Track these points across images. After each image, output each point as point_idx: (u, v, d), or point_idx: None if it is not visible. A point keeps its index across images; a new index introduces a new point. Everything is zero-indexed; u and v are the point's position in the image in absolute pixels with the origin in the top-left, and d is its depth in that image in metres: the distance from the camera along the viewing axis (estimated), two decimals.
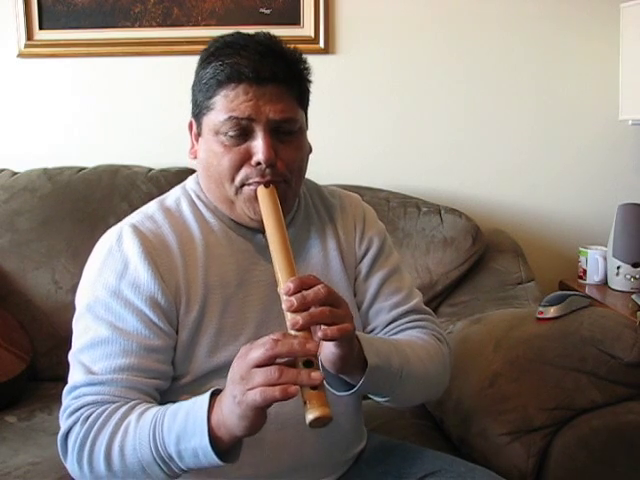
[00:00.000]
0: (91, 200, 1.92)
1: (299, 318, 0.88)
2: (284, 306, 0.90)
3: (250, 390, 0.84)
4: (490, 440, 1.34)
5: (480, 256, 1.97)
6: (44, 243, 1.86)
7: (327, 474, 1.14)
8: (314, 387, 0.84)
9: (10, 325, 1.79)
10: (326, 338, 0.89)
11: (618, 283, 2.05)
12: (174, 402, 1.04)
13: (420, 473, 1.14)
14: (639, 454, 1.31)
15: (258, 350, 0.85)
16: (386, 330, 1.17)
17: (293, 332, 0.88)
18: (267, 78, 1.01)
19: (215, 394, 0.92)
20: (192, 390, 1.05)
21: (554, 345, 1.40)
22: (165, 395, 1.06)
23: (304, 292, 0.89)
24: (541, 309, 1.50)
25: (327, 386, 1.00)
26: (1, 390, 1.65)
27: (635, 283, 2.01)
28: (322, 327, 0.90)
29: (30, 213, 1.89)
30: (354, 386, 1.00)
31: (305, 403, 0.84)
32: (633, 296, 1.86)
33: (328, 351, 0.95)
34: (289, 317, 0.89)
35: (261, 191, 1.04)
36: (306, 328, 0.88)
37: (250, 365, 0.85)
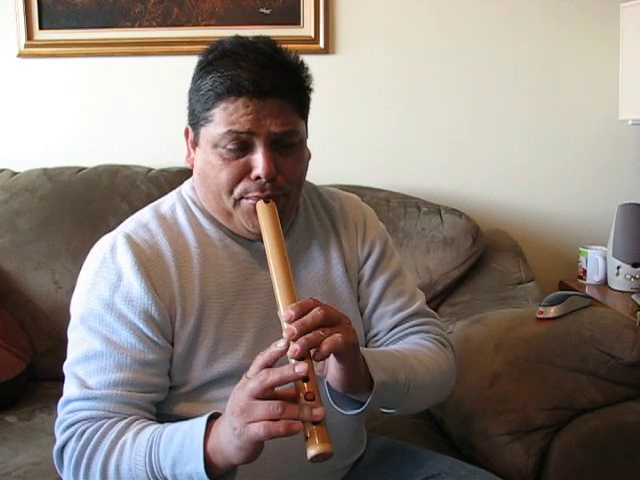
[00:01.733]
0: (91, 200, 1.91)
1: (297, 346, 0.86)
2: (285, 334, 0.88)
3: (252, 423, 0.83)
4: (490, 440, 1.34)
5: (480, 256, 1.97)
6: (44, 243, 1.86)
7: (327, 479, 1.13)
8: (315, 422, 0.84)
9: (10, 325, 1.79)
10: (322, 357, 0.88)
11: (618, 283, 2.05)
12: (172, 410, 1.05)
13: (420, 476, 1.14)
14: (639, 454, 1.31)
15: (254, 381, 0.85)
16: (389, 335, 1.16)
17: (294, 361, 0.87)
18: (268, 92, 0.98)
19: (212, 417, 0.91)
20: (190, 399, 1.05)
21: (554, 345, 1.40)
22: (163, 404, 1.05)
23: (303, 319, 0.88)
24: (541, 309, 1.50)
25: (335, 406, 1.00)
26: (1, 390, 1.65)
27: (635, 283, 2.01)
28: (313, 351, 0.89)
29: (30, 213, 1.89)
30: (362, 404, 0.99)
31: (306, 438, 0.83)
32: (633, 296, 1.86)
33: (333, 370, 0.94)
34: (290, 346, 0.88)
35: (260, 206, 1.01)
36: (305, 355, 0.87)
37: (249, 397, 0.84)
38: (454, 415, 1.45)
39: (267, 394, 0.84)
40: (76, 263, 1.80)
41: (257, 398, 0.84)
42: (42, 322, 1.83)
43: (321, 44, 2.15)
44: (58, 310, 1.81)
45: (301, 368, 0.84)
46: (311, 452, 0.82)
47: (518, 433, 1.32)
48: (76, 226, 1.87)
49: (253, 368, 0.87)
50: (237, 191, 1.03)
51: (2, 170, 2.02)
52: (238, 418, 0.85)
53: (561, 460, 1.30)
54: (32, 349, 1.79)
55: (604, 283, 2.11)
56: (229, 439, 0.86)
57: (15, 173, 2.00)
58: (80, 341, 1.02)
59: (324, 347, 0.87)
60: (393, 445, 1.25)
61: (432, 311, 1.23)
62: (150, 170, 2.02)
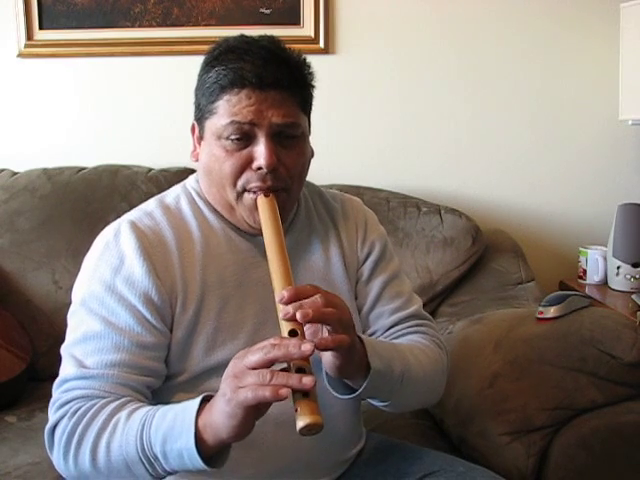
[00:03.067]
0: (91, 200, 1.92)
1: (308, 311, 0.87)
2: (280, 315, 0.89)
3: (241, 388, 0.84)
4: (490, 440, 1.34)
5: (480, 256, 1.97)
6: (44, 243, 1.86)
7: (325, 474, 1.14)
8: (305, 394, 0.84)
9: (10, 325, 1.79)
10: (320, 347, 0.88)
11: (618, 283, 2.05)
12: (169, 400, 1.04)
13: (419, 473, 1.14)
14: (639, 454, 1.31)
15: (256, 354, 0.85)
16: (387, 334, 1.17)
17: (285, 327, 0.88)
18: (270, 84, 1.01)
19: (207, 399, 0.92)
20: (188, 389, 1.05)
21: (554, 345, 1.40)
22: (161, 393, 1.05)
23: (301, 301, 0.89)
24: (541, 309, 1.50)
25: (330, 388, 1.01)
26: (1, 390, 1.65)
27: (635, 283, 2.01)
28: (319, 336, 0.90)
29: (30, 213, 1.89)
30: (356, 389, 1.00)
31: (296, 410, 0.84)
32: (633, 296, 1.86)
33: (327, 357, 0.95)
34: (284, 325, 0.89)
35: (261, 200, 1.03)
36: (308, 323, 0.88)
37: (245, 366, 0.85)
38: (454, 415, 1.45)
39: (264, 367, 0.85)
40: (76, 263, 1.78)
41: (254, 369, 0.85)
42: (42, 322, 1.83)
43: (321, 44, 2.15)
44: (58, 310, 1.81)
45: (307, 347, 0.84)
46: (299, 423, 0.82)
47: (518, 433, 1.31)
48: (76, 226, 1.88)
49: (263, 343, 0.86)
50: (240, 183, 1.04)
51: (2, 170, 2.02)
52: (229, 383, 0.86)
53: (561, 460, 1.30)
54: (32, 349, 1.78)
55: (604, 283, 2.11)
56: (220, 408, 0.87)
57: (15, 173, 2.00)
58: (79, 323, 1.03)
59: (328, 342, 0.89)
60: (392, 443, 1.26)
61: (428, 315, 1.25)
62: (150, 170, 2.02)
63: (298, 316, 0.87)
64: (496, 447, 1.33)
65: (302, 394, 0.84)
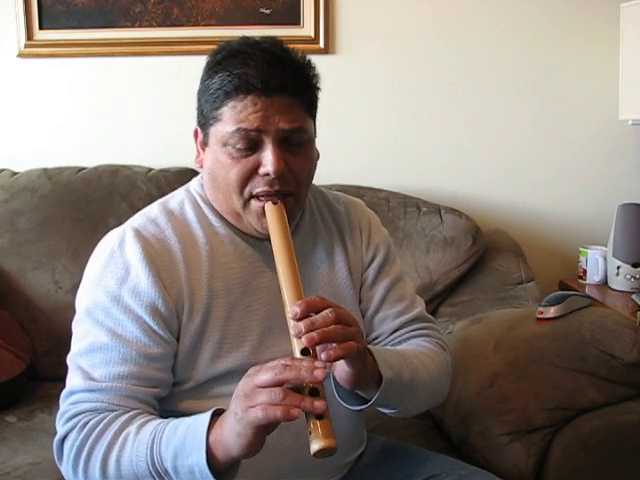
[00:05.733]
0: (91, 200, 1.92)
1: (314, 334, 0.87)
2: (292, 332, 0.89)
3: (252, 408, 0.84)
4: (490, 440, 1.34)
5: (480, 256, 1.97)
6: (44, 243, 1.86)
7: (327, 477, 1.14)
8: (319, 417, 0.83)
9: (10, 325, 1.79)
10: (330, 359, 0.88)
11: (618, 283, 2.05)
12: (176, 407, 1.05)
13: (420, 476, 1.14)
14: (639, 454, 1.31)
15: (267, 373, 0.85)
16: (391, 338, 1.17)
17: (300, 356, 0.88)
18: (276, 89, 0.99)
19: (217, 414, 0.91)
20: (195, 395, 1.05)
21: (554, 345, 1.40)
22: (166, 400, 1.05)
23: (312, 318, 0.89)
24: (541, 309, 1.50)
25: (339, 400, 1.00)
26: (1, 390, 1.65)
27: (635, 283, 2.01)
28: (327, 349, 0.89)
29: (30, 213, 1.89)
30: (367, 400, 1.00)
31: (310, 433, 0.83)
32: (633, 296, 1.86)
33: (341, 370, 0.94)
34: (296, 342, 0.89)
35: (269, 208, 1.02)
36: (316, 345, 0.88)
37: (256, 385, 0.85)
38: (454, 415, 1.45)
39: (274, 386, 0.84)
40: (76, 263, 1.81)
41: (264, 388, 0.84)
42: (42, 322, 1.83)
43: (321, 44, 2.15)
44: (58, 310, 1.81)
45: (319, 373, 0.84)
46: (314, 447, 0.82)
47: (518, 433, 1.31)
48: (76, 226, 1.88)
49: (274, 362, 0.86)
50: (247, 190, 1.03)
51: (2, 170, 2.03)
52: (240, 403, 0.85)
53: (561, 460, 1.30)
54: (32, 349, 1.79)
55: (604, 283, 2.11)
56: (231, 426, 0.86)
57: (15, 173, 2.00)
58: (85, 333, 1.02)
59: (337, 351, 0.88)
60: (393, 445, 1.26)
61: (431, 317, 1.25)
62: (150, 170, 2.02)
63: (304, 341, 0.87)
64: (496, 447, 1.33)
65: (315, 415, 0.83)
